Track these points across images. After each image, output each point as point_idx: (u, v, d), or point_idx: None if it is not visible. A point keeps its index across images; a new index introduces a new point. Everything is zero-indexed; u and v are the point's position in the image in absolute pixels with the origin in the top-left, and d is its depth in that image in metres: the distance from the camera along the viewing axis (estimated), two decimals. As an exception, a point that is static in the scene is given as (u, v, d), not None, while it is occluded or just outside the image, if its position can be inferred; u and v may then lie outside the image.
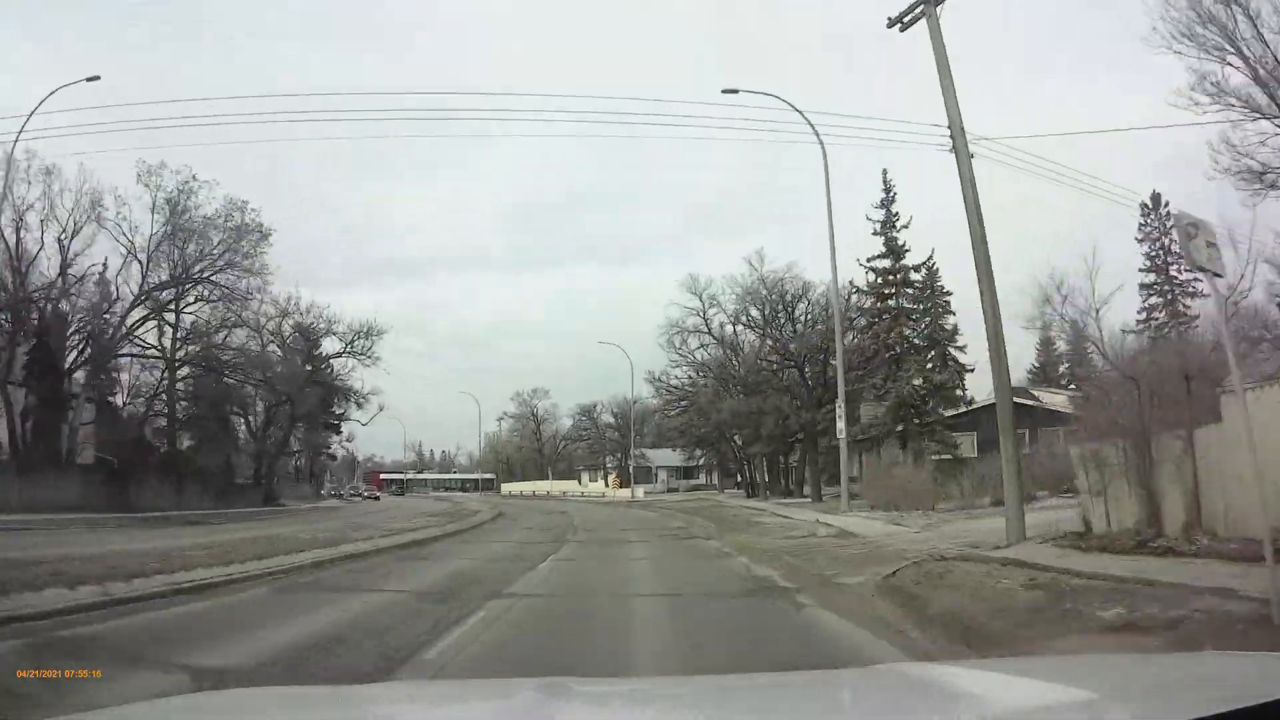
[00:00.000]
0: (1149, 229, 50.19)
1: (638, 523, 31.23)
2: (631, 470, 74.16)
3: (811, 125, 29.17)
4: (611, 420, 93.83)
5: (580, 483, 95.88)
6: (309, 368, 55.67)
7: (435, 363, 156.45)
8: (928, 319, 35.59)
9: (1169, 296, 50.19)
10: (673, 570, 15.38)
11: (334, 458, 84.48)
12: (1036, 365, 64.11)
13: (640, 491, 72.07)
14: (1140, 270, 50.52)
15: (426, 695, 3.61)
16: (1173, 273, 49.94)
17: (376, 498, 75.46)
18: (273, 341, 52.99)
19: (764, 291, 42.93)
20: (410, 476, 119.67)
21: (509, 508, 48.66)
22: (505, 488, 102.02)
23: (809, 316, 40.76)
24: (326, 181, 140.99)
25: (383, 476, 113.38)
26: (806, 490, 46.81)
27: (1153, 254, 50.77)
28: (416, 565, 16.39)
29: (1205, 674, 2.75)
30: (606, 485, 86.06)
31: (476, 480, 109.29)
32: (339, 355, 57.04)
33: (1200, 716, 1.79)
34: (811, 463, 41.38)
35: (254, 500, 51.53)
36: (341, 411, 78.44)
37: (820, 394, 39.49)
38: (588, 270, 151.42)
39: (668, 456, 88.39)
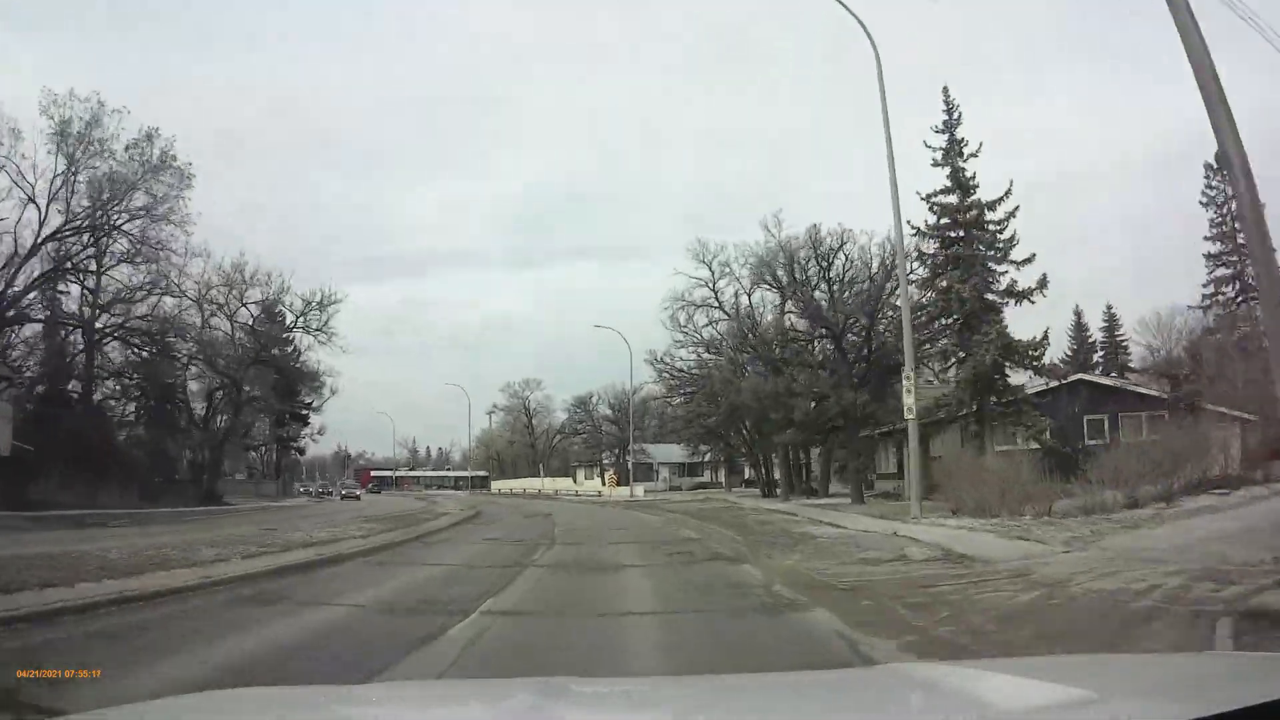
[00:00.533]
0: (1214, 192, 44.28)
1: (636, 532, 24.07)
2: (631, 467, 66.89)
3: (859, 20, 22.08)
4: (609, 412, 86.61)
5: (575, 480, 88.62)
6: (261, 345, 48.17)
7: (432, 360, 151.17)
8: (1004, 269, 28.15)
9: (1237, 268, 43.62)
10: (703, 645, 7.97)
11: (301, 451, 77.17)
12: (1069, 352, 57.24)
13: (640, 490, 65.05)
14: (1205, 239, 45.20)
15: (426, 696, 3.50)
16: (1242, 240, 43.26)
17: (357, 496, 67.72)
18: (216, 314, 45.81)
19: (783, 257, 35.43)
20: (403, 474, 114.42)
21: (489, 508, 43.00)
22: (496, 485, 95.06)
23: (847, 273, 33.19)
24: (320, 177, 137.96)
25: (374, 474, 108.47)
26: (834, 489, 39.67)
27: (1219, 220, 44.48)
28: (260, 612, 9.54)
29: (1205, 674, 2.77)
30: (603, 483, 78.86)
31: (468, 478, 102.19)
32: (289, 331, 49.47)
33: (1200, 716, 1.77)
34: (853, 455, 34.04)
35: (191, 498, 44.37)
36: (311, 402, 71.73)
37: (862, 370, 32.36)
38: (585, 265, 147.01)
39: (670, 452, 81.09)
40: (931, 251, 29.51)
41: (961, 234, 28.42)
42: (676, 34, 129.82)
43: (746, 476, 78.49)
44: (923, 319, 28.87)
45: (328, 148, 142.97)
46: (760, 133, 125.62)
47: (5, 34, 73.07)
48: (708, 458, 75.50)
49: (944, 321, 29.19)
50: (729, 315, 46.67)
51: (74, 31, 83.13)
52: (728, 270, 46.08)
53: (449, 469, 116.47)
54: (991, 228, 28.79)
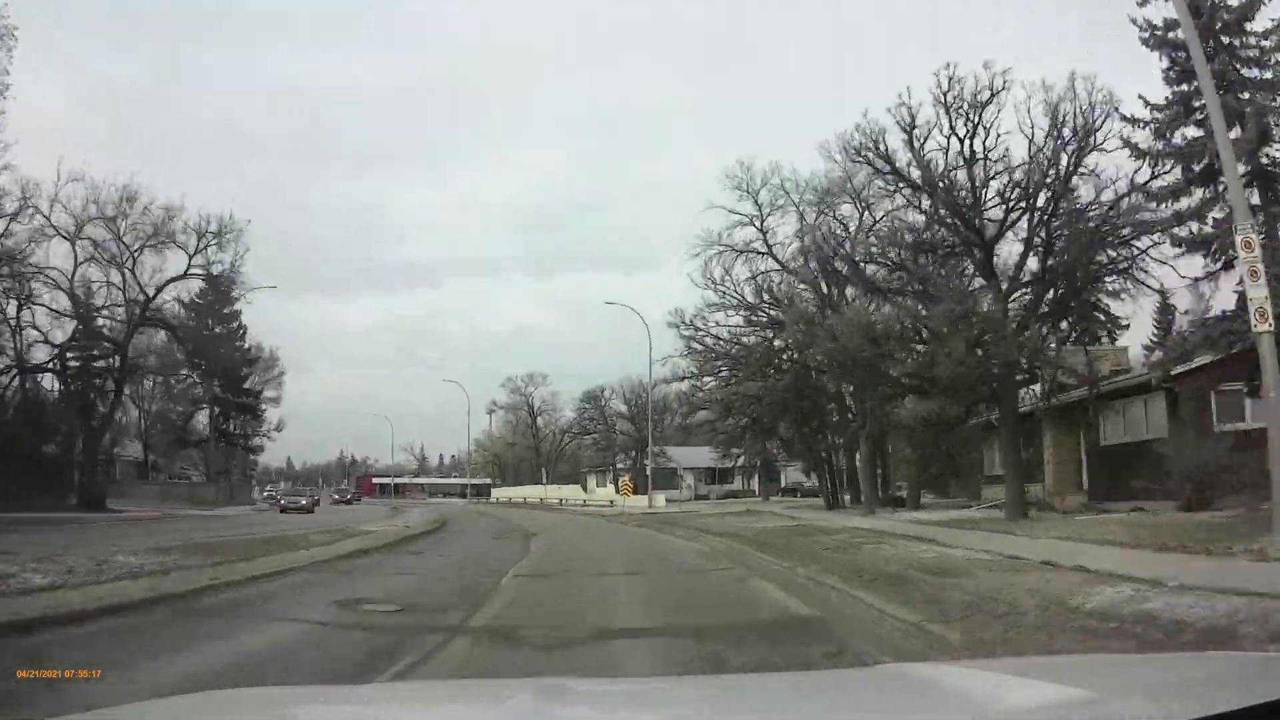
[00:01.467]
0: None
1: (655, 585, 12.41)
2: (650, 472, 54.82)
3: None
4: (624, 409, 74.55)
5: (585, 488, 76.60)
6: (148, 300, 36.46)
7: (446, 368, 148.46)
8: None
9: None
10: None
11: (253, 451, 65.42)
12: None
13: (661, 499, 53.09)
14: None
15: (426, 695, 3.39)
16: None
17: (306, 509, 50.72)
18: (95, 256, 34.32)
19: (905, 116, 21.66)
20: (405, 481, 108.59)
21: (466, 520, 35.43)
22: (496, 494, 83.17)
23: (994, 147, 19.97)
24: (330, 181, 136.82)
25: (375, 481, 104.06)
26: (925, 499, 27.59)
27: None
28: None
29: (1205, 674, 2.74)
30: (617, 491, 66.99)
31: (470, 486, 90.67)
32: (179, 279, 37.78)
33: (1200, 716, 1.75)
34: (1010, 437, 21.35)
35: (57, 501, 33.02)
36: (261, 390, 60.34)
37: (1026, 304, 20.12)
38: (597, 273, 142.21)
39: (696, 456, 69.04)
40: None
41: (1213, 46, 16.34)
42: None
43: (784, 484, 66.65)
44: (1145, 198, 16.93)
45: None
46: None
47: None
48: (740, 461, 63.40)
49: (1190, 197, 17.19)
50: (781, 266, 34.66)
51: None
52: (778, 206, 34.12)
53: (456, 476, 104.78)
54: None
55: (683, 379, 35.02)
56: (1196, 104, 16.66)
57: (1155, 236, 19.01)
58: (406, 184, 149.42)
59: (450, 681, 5.56)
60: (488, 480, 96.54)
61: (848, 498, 34.60)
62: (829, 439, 35.45)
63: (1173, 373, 19.12)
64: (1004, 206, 20.79)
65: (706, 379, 36.30)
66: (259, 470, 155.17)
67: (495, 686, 3.91)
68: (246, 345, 57.26)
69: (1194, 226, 17.60)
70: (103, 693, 5.41)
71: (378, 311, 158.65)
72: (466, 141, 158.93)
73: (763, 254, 34.54)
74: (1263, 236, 12.88)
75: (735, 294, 35.28)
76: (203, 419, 56.89)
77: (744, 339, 35.71)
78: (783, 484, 67.00)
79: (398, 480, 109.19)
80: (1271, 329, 10.10)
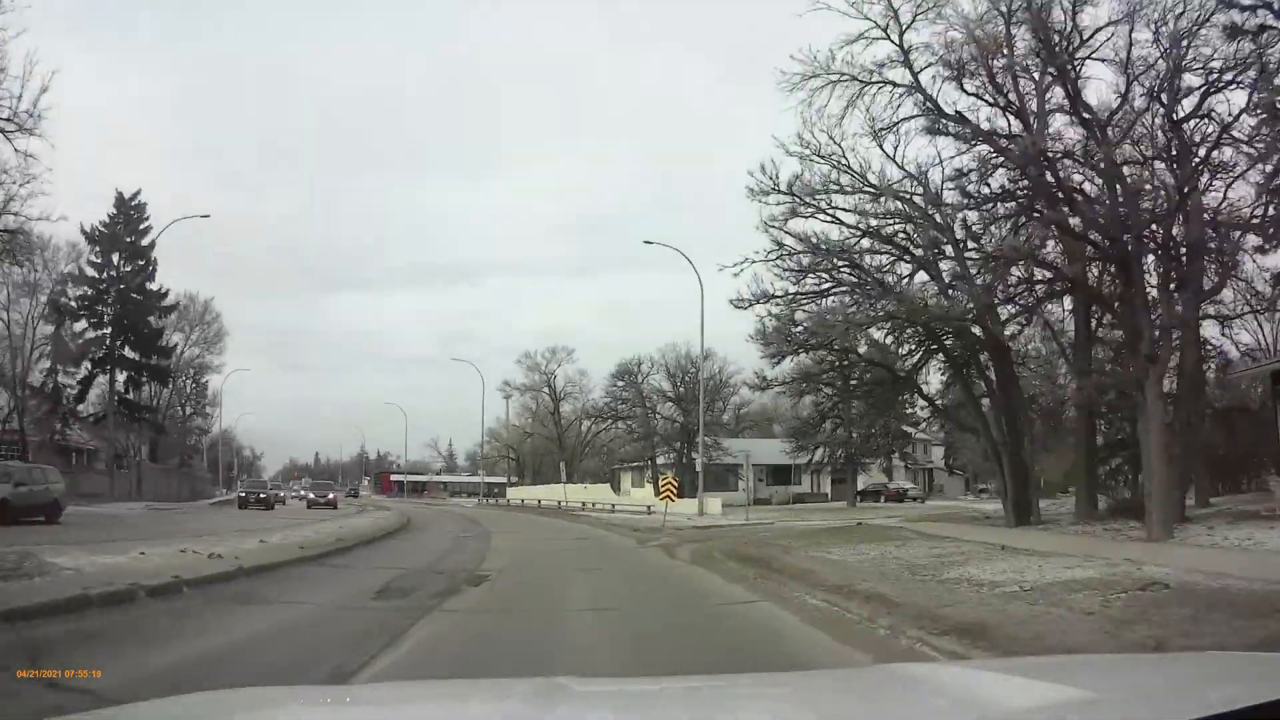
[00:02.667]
0: None
1: None
2: (700, 469, 40.37)
3: None
4: (666, 386, 59.94)
5: (617, 488, 62.15)
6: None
7: (488, 368, 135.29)
8: None
9: None
10: None
11: (157, 424, 50.94)
12: None
13: (715, 505, 39.03)
14: None
15: (425, 695, 3.32)
16: None
17: (267, 504, 42.35)
18: None
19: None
20: (428, 479, 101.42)
21: (425, 536, 24.08)
22: (512, 494, 69.11)
23: None
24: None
25: (394, 478, 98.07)
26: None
27: None
28: None
29: (1205, 674, 2.71)
30: (656, 493, 52.83)
31: (484, 485, 77.43)
32: None
33: (1200, 717, 1.72)
34: None
35: None
36: (175, 346, 47.09)
37: None
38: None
39: (755, 449, 54.80)
40: None
41: None
42: None
43: (862, 486, 52.59)
44: None
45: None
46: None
47: None
48: (817, 456, 48.82)
49: None
50: (931, 109, 20.04)
51: None
52: (926, 12, 19.60)
53: (482, 474, 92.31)
54: None
55: (768, 299, 20.45)
56: None
57: None
58: (453, 185, 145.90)
59: (450, 681, 5.25)
60: (501, 479, 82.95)
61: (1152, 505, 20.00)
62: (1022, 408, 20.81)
63: None
64: None
65: (802, 299, 21.56)
66: (289, 464, 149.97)
67: (495, 686, 3.76)
68: (161, 289, 44.47)
69: None
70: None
71: (416, 310, 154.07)
72: (506, 144, 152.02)
73: (909, 87, 19.91)
74: None
75: (856, 165, 20.75)
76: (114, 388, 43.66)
77: (872, 232, 21.09)
78: (861, 486, 53.66)
79: (418, 478, 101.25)
80: None
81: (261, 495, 44.31)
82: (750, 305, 21.02)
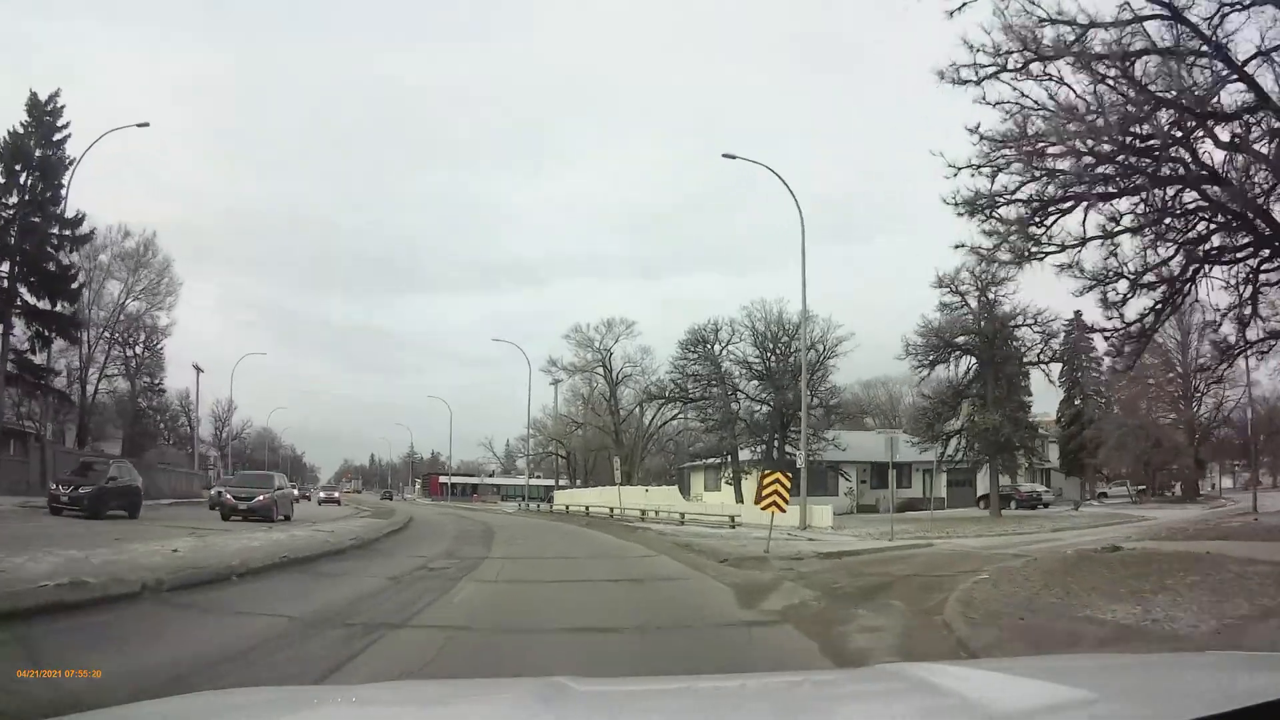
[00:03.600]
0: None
1: None
2: (802, 465, 29.13)
3: None
4: (753, 356, 46.90)
5: (687, 492, 51.04)
6: None
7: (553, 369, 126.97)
8: None
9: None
10: None
11: (58, 393, 39.89)
12: None
13: (825, 517, 28.12)
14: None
15: (425, 695, 3.28)
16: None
17: (262, 517, 28.51)
18: None
19: None
20: (479, 480, 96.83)
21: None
22: (560, 498, 58.35)
23: None
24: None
25: (442, 480, 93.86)
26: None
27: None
28: None
29: (1205, 674, 2.72)
30: (738, 496, 41.49)
31: (527, 488, 67.87)
32: None
33: (1200, 716, 1.72)
34: None
35: None
36: (75, 272, 37.55)
37: None
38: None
39: (856, 444, 43.28)
40: None
41: None
42: None
43: (980, 492, 41.67)
44: None
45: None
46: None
47: None
48: (950, 448, 37.36)
49: None
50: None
51: None
52: None
53: (539, 476, 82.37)
54: None
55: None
56: None
57: None
58: (514, 183, 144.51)
59: (450, 681, 5.49)
60: (550, 482, 72.58)
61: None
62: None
63: None
64: None
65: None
66: (344, 465, 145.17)
67: (495, 686, 3.87)
68: (79, 215, 35.30)
69: None
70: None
71: (481, 310, 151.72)
72: (575, 139, 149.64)
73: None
74: None
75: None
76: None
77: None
78: (979, 491, 45.56)
79: (468, 480, 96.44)
80: None
81: (257, 500, 26.65)
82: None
